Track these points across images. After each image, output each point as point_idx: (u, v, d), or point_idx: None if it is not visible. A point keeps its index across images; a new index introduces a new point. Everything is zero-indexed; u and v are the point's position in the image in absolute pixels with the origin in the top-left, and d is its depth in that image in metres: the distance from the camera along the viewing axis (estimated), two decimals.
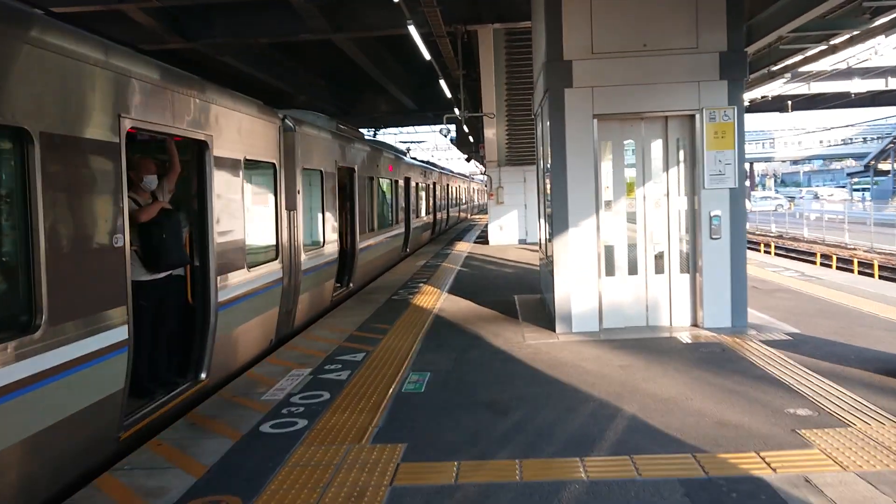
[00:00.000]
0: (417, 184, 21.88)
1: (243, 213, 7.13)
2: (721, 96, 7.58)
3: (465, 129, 29.52)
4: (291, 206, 8.80)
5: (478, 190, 57.20)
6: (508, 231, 21.43)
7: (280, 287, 8.32)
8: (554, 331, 7.89)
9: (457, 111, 16.34)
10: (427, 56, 12.75)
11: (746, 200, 10.84)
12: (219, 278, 6.46)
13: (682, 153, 7.87)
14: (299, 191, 9.03)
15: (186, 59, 18.88)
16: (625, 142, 7.95)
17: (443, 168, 34.73)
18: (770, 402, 5.18)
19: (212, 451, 4.64)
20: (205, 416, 5.45)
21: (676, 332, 7.60)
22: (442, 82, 16.01)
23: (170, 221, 5.78)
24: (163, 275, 5.85)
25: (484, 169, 23.07)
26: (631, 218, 8.00)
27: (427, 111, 30.91)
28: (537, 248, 20.17)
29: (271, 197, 8.28)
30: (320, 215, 10.35)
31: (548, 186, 8.65)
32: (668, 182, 7.90)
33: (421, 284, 12.72)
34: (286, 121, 8.88)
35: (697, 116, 7.61)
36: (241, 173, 7.08)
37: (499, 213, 21.54)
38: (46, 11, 9.96)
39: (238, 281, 6.97)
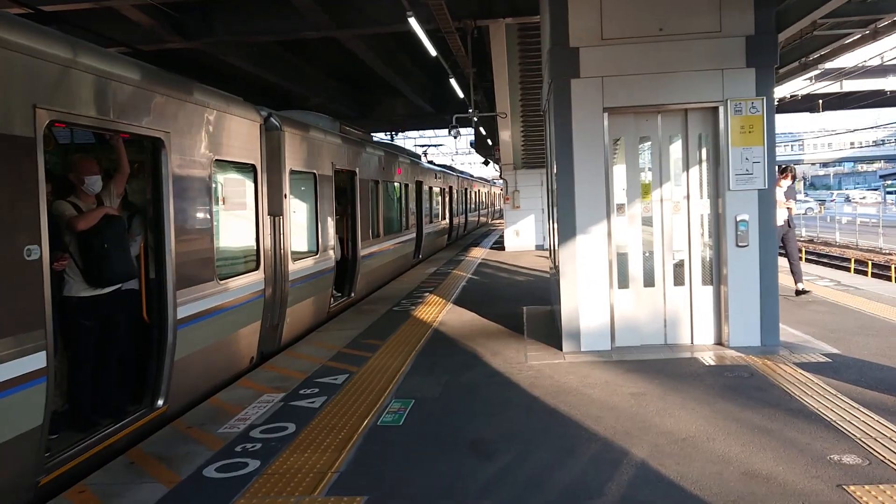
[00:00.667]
0: (431, 188, 21.16)
1: (212, 220, 6.44)
2: (748, 86, 6.72)
3: (483, 131, 28.84)
4: (276, 211, 8.10)
5: (498, 194, 56.38)
6: (525, 236, 20.60)
7: (262, 300, 7.62)
8: (560, 349, 7.08)
9: (469, 111, 15.55)
10: (433, 52, 12.01)
11: (790, 202, 9.89)
12: (179, 292, 5.76)
13: (704, 150, 7.02)
14: (286, 195, 8.33)
15: (191, 61, 18.42)
16: (640, 138, 7.12)
17: (461, 172, 33.98)
18: (809, 444, 4.33)
19: (137, 503, 3.92)
20: (148, 453, 4.74)
21: (698, 352, 6.74)
22: (453, 81, 15.27)
23: (112, 230, 5.08)
24: (108, 290, 5.16)
25: (500, 172, 22.32)
26: (647, 223, 7.17)
27: (445, 114, 30.22)
28: None
29: (251, 201, 7.58)
30: (313, 221, 9.64)
31: (554, 188, 7.87)
32: (689, 183, 7.05)
33: (426, 294, 11.96)
34: (271, 119, 8.19)
35: (721, 109, 6.75)
36: (209, 175, 6.38)
37: (515, 218, 20.73)
38: (37, 11, 9.38)
39: (205, 294, 6.26)
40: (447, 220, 25.02)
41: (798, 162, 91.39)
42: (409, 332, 8.52)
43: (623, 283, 7.09)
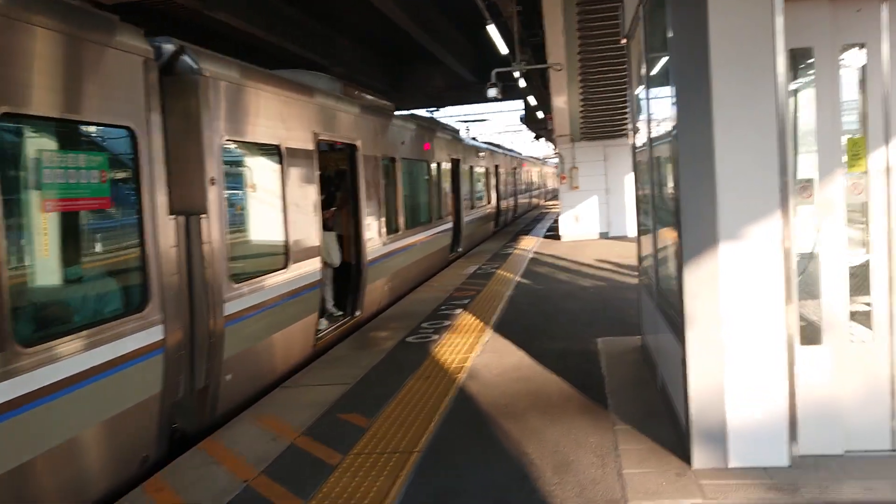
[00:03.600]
0: (472, 168, 17.80)
1: None
2: None
3: (532, 101, 25.28)
4: (190, 207, 4.94)
5: (551, 174, 52.48)
6: (586, 223, 17.08)
7: (158, 359, 4.49)
8: (685, 458, 3.73)
9: (513, 65, 12.11)
10: None
11: None
12: None
13: None
14: (214, 179, 5.15)
15: (184, 22, 15.45)
16: (841, 47, 3.66)
17: (509, 149, 30.43)
18: None
19: None
20: None
21: None
22: (492, 29, 11.84)
23: None
24: None
25: (554, 147, 18.79)
26: (854, 214, 3.73)
27: (497, 98, 26.77)
28: (625, 243, 16.01)
29: (124, 192, 4.40)
30: (279, 218, 6.47)
31: (661, 158, 4.52)
32: None
33: (458, 310, 8.70)
34: (183, 58, 5.00)
35: None
36: None
37: (573, 201, 17.21)
38: None
39: None
40: (493, 205, 21.63)
41: None
42: (417, 398, 5.27)
43: (811, 333, 3.66)
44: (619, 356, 6.06)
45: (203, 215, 5.01)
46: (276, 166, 6.44)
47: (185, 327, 4.85)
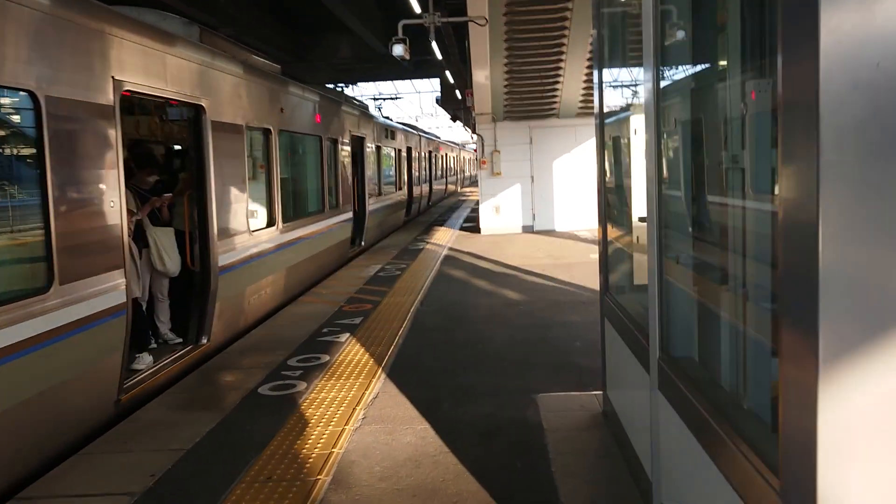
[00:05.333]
0: (380, 148, 15.42)
1: None
2: None
3: (451, 78, 23.02)
4: None
5: (469, 160, 50.53)
6: (508, 214, 15.04)
7: None
8: None
9: (424, 17, 9.76)
10: None
11: None
12: None
13: None
14: None
15: None
16: None
17: (424, 131, 28.08)
18: None
19: None
20: None
21: None
22: None
23: None
24: None
25: (473, 129, 16.54)
26: None
27: (404, 58, 24.33)
28: (553, 239, 13.90)
29: None
30: (29, 214, 3.99)
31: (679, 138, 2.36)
32: None
33: (345, 336, 6.41)
34: None
35: None
36: None
37: (494, 189, 15.11)
38: None
39: None
40: (405, 192, 19.32)
41: None
42: None
43: None
44: (574, 434, 3.92)
45: None
46: (32, 124, 3.94)
47: None
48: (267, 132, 7.94)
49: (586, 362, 5.20)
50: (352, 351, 5.90)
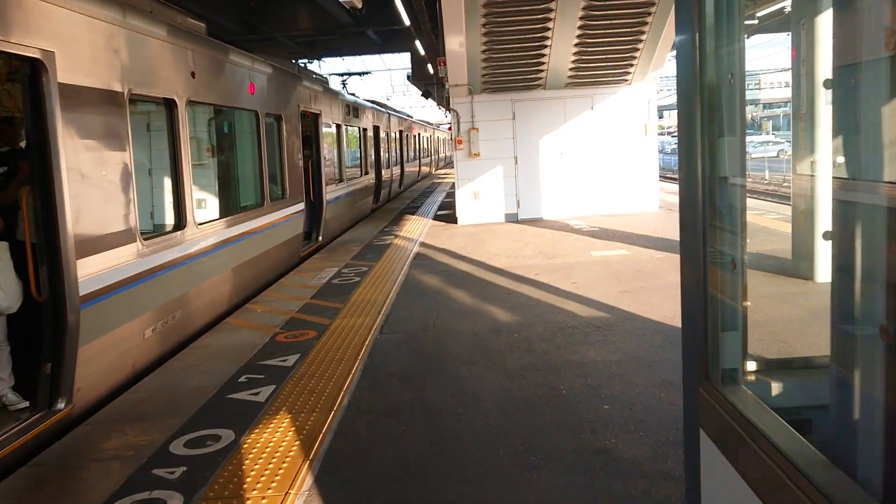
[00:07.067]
0: (342, 127, 13.34)
1: None
2: None
3: (422, 50, 20.89)
4: None
5: (444, 140, 48.31)
6: (489, 201, 13.08)
7: None
8: None
9: None
10: None
11: None
12: None
13: None
14: None
15: None
16: None
17: (395, 110, 25.89)
18: None
19: None
20: None
21: None
22: None
23: None
24: None
25: (447, 106, 14.44)
26: None
27: (368, 27, 22.16)
28: (542, 230, 11.84)
29: None
30: None
31: None
32: None
33: (269, 391, 4.47)
34: None
35: None
36: None
37: (472, 173, 13.13)
38: None
39: None
40: (373, 176, 17.27)
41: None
42: None
43: None
44: None
45: None
46: None
47: None
48: (170, 104, 5.91)
49: (626, 448, 3.32)
50: (270, 424, 3.95)
